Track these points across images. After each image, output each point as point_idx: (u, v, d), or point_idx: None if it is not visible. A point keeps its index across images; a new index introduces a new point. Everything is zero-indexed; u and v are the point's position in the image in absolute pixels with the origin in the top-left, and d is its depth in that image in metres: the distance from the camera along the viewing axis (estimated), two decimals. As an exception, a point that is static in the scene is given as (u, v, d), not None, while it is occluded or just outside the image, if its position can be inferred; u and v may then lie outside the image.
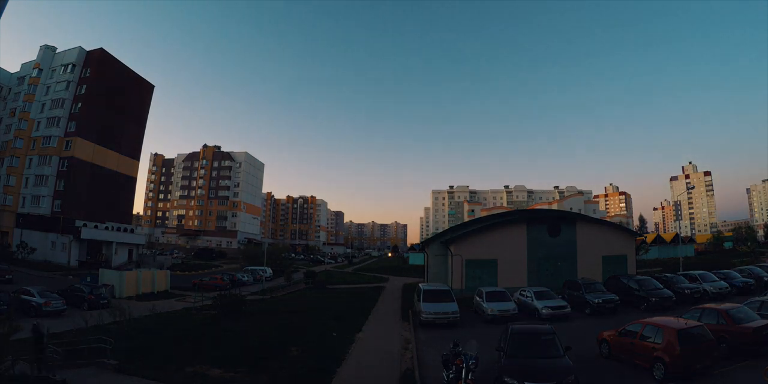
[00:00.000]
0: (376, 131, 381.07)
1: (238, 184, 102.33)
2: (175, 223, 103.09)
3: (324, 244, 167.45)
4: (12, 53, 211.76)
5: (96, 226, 51.64)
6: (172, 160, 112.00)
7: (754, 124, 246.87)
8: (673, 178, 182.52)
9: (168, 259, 60.83)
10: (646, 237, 55.25)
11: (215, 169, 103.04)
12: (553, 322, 16.21)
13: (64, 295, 25.15)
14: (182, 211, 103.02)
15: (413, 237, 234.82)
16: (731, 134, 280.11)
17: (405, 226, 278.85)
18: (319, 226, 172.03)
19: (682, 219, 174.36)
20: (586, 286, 21.44)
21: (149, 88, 65.38)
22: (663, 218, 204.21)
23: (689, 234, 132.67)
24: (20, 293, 23.17)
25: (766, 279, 24.59)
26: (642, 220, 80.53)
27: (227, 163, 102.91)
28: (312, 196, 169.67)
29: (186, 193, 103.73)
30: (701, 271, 25.05)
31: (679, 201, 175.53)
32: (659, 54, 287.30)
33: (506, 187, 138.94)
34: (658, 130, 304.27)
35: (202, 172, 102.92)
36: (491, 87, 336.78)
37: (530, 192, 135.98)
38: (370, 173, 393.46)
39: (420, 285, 22.75)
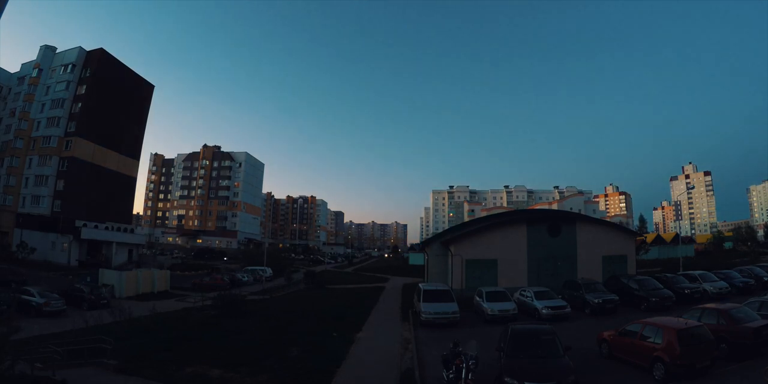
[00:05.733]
0: (376, 131, 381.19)
1: (238, 184, 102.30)
2: (175, 223, 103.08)
3: (324, 244, 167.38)
4: (12, 53, 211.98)
5: (96, 226, 51.61)
6: (172, 160, 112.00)
7: (754, 124, 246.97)
8: (673, 178, 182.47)
9: (168, 259, 60.79)
10: (646, 237, 55.10)
11: (215, 169, 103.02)
12: (553, 322, 16.21)
13: (64, 295, 25.13)
14: (182, 211, 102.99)
15: (413, 237, 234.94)
16: (731, 134, 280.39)
17: (405, 226, 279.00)
18: (319, 226, 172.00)
19: (682, 219, 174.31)
20: (586, 286, 21.41)
21: (149, 88, 65.34)
22: (663, 218, 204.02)
23: (689, 234, 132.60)
24: (20, 293, 23.14)
25: (766, 279, 24.57)
26: (642, 220, 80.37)
27: (227, 163, 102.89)
28: (312, 196, 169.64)
29: (186, 193, 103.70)
30: (701, 271, 24.99)
31: (679, 201, 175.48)
32: (660, 53, 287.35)
33: (506, 187, 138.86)
34: (658, 130, 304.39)
35: (202, 172, 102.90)
36: (491, 87, 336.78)
37: (530, 192, 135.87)
38: (371, 173, 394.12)
39: (420, 285, 22.74)
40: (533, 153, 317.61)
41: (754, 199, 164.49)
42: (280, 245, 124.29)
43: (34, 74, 54.93)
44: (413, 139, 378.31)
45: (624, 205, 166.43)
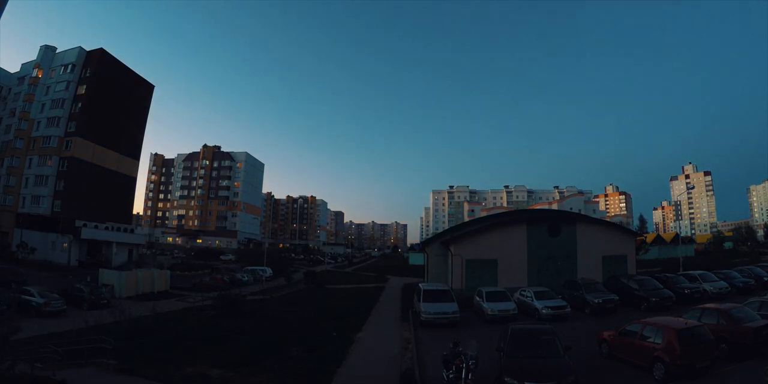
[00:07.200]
0: (376, 131, 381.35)
1: (238, 184, 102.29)
2: (175, 223, 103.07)
3: (324, 244, 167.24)
4: (12, 53, 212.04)
5: (96, 226, 51.58)
6: (172, 160, 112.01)
7: (754, 124, 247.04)
8: (673, 178, 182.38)
9: (168, 259, 60.71)
10: (646, 237, 55.15)
11: (215, 169, 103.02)
12: (553, 322, 16.21)
13: (64, 295, 25.12)
14: (182, 211, 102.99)
15: (413, 237, 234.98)
16: (731, 134, 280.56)
17: (405, 226, 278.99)
18: (319, 226, 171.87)
19: (682, 219, 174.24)
20: (586, 286, 21.42)
21: (149, 88, 65.31)
22: (663, 218, 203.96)
23: (689, 234, 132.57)
24: (20, 293, 23.13)
25: (766, 279, 24.56)
26: (642, 220, 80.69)
27: (227, 163, 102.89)
28: (312, 196, 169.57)
29: (186, 193, 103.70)
30: (701, 271, 24.99)
31: (679, 201, 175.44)
32: (660, 54, 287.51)
33: (506, 187, 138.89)
34: (658, 130, 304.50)
35: (202, 172, 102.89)
36: (491, 86, 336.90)
37: (530, 192, 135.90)
38: (371, 173, 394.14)
39: (420, 285, 22.73)
40: (533, 153, 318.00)
41: (754, 199, 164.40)
42: (280, 245, 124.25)
43: (34, 74, 54.90)
44: (413, 138, 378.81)
45: (624, 205, 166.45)
